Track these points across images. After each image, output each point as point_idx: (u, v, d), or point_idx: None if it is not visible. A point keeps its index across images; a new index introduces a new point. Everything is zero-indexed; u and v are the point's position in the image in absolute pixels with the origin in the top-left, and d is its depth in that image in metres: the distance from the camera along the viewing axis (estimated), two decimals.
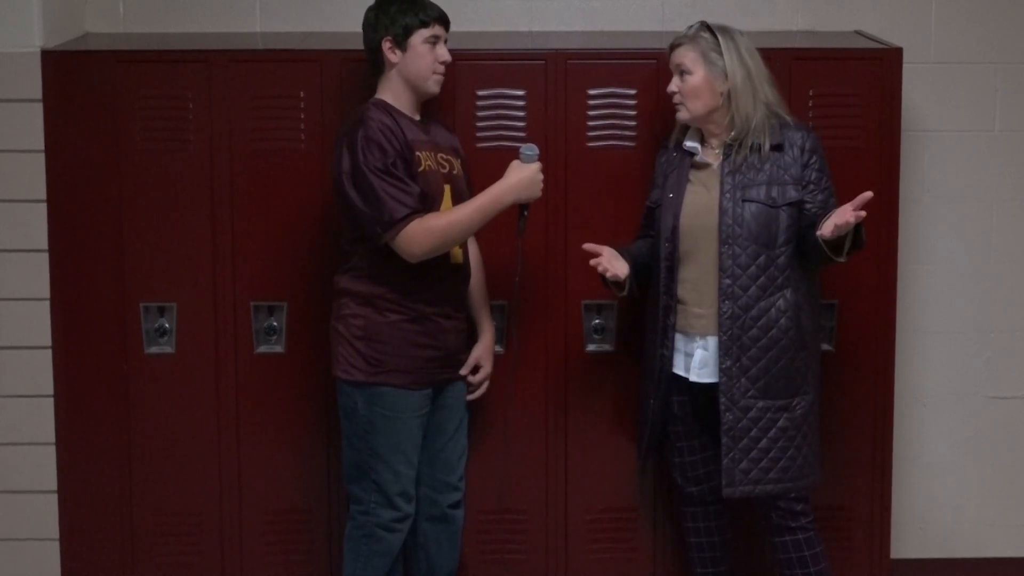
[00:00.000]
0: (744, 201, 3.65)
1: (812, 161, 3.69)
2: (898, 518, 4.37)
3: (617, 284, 3.77)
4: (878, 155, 4.06)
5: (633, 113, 4.05)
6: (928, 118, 4.45)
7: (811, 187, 3.68)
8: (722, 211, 3.66)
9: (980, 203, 4.51)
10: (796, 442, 3.70)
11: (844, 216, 3.47)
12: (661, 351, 3.80)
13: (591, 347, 4.13)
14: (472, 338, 3.92)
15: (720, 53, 3.68)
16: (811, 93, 4.05)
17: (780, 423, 3.69)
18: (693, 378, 3.75)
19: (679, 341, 3.78)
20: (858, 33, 4.42)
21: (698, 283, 3.72)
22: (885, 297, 4.12)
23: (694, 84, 3.70)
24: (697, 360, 3.74)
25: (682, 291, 3.75)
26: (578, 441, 4.16)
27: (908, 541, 4.55)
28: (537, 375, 4.12)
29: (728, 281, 3.66)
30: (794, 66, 4.03)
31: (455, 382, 3.85)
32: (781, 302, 3.66)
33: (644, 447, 3.94)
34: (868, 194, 3.49)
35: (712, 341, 3.71)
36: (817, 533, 3.79)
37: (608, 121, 4.06)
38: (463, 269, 3.82)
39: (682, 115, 3.75)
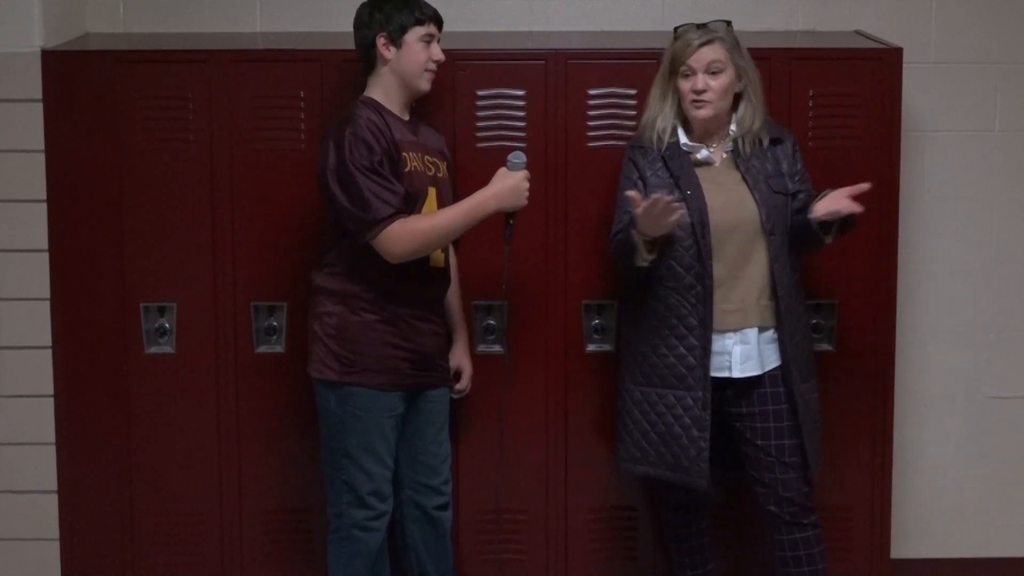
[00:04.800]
0: (776, 192, 3.73)
1: (798, 155, 3.81)
2: (898, 518, 4.36)
3: (649, 245, 3.64)
4: (878, 155, 4.06)
5: (633, 113, 4.04)
6: (928, 118, 4.45)
7: (797, 178, 3.78)
8: (761, 202, 3.69)
9: (980, 203, 4.51)
10: (820, 422, 3.83)
11: (838, 204, 3.59)
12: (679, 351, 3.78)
13: (591, 347, 4.13)
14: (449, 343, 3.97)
15: (739, 52, 3.72)
16: (811, 93, 4.05)
17: (813, 404, 3.80)
18: (737, 374, 3.73)
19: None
20: (858, 33, 4.42)
21: (724, 278, 3.71)
22: (885, 297, 4.12)
23: (725, 83, 3.70)
24: (738, 355, 3.72)
25: (721, 289, 3.73)
26: (578, 441, 4.16)
27: (908, 541, 4.55)
28: (537, 375, 4.12)
29: (778, 268, 3.71)
30: (794, 66, 4.03)
31: (434, 387, 3.85)
32: (799, 289, 3.80)
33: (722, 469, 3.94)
34: (866, 186, 3.61)
35: (751, 333, 3.72)
36: (822, 530, 3.80)
37: (608, 121, 4.06)
38: (443, 273, 3.82)
39: (706, 113, 3.70)
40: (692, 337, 3.71)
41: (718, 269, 3.70)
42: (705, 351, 3.69)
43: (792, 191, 3.75)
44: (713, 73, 3.69)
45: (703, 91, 3.68)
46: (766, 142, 3.76)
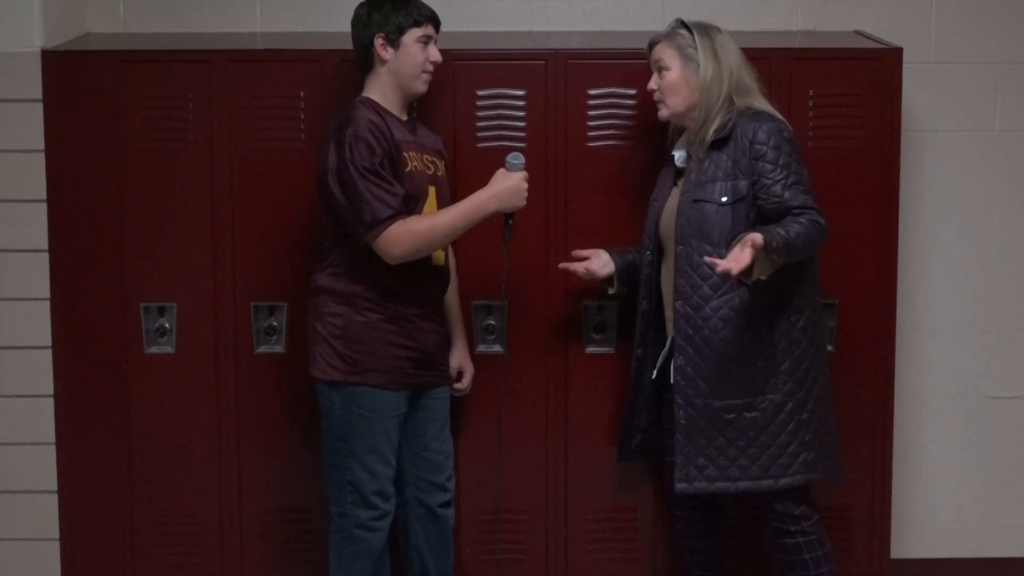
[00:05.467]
0: (695, 201, 3.63)
1: (763, 152, 3.59)
2: (898, 518, 4.36)
3: (607, 281, 3.85)
4: (878, 155, 4.06)
5: (633, 113, 4.05)
6: (928, 118, 4.45)
7: (763, 180, 3.59)
8: (679, 212, 3.66)
9: (980, 203, 4.51)
10: (759, 441, 3.66)
11: (728, 264, 3.41)
12: (636, 351, 3.85)
13: (591, 347, 4.13)
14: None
15: (696, 50, 3.67)
16: (811, 93, 4.04)
17: (738, 422, 3.65)
18: (672, 380, 3.76)
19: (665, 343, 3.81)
20: (858, 33, 4.42)
21: (667, 285, 3.75)
22: (885, 297, 4.12)
23: (671, 80, 3.69)
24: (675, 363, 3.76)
25: (663, 294, 3.79)
26: (578, 441, 4.16)
27: (908, 541, 4.55)
28: (537, 375, 4.12)
29: (681, 280, 3.65)
30: (794, 66, 4.03)
31: (437, 386, 3.86)
32: (736, 301, 3.61)
33: (622, 448, 3.98)
34: (759, 240, 3.41)
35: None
36: (821, 536, 3.76)
37: (608, 121, 4.06)
38: (444, 272, 3.83)
39: (662, 113, 3.75)
40: (646, 341, 3.84)
41: (664, 275, 3.76)
42: (643, 356, 3.83)
43: (744, 194, 3.60)
44: (660, 71, 3.72)
45: (653, 90, 3.74)
46: (707, 143, 3.64)
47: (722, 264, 3.43)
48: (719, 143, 3.64)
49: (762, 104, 3.71)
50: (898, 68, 4.04)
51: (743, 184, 3.61)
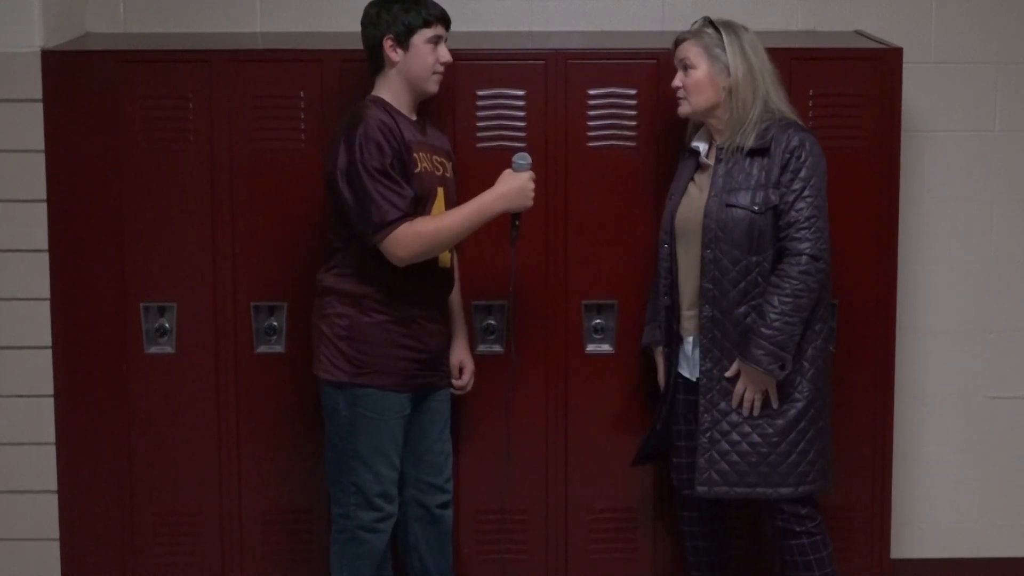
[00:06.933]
0: (727, 206, 3.63)
1: (789, 162, 3.61)
2: (898, 518, 4.37)
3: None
4: (878, 155, 4.06)
5: (633, 113, 4.05)
6: (928, 118, 4.45)
7: (783, 189, 3.62)
8: (706, 214, 3.65)
9: (980, 203, 4.51)
10: (781, 448, 3.67)
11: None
12: (667, 350, 3.84)
13: (591, 347, 4.13)
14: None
15: (724, 48, 3.67)
16: (811, 93, 4.05)
17: (762, 428, 3.67)
18: (693, 378, 3.76)
19: (682, 341, 3.81)
20: (858, 33, 4.42)
21: (686, 285, 3.74)
22: (885, 297, 4.12)
23: (697, 78, 3.68)
24: (691, 360, 3.76)
25: (681, 294, 3.77)
26: (578, 441, 4.16)
27: (908, 541, 4.55)
28: (537, 375, 4.12)
29: (709, 285, 3.65)
30: (794, 66, 4.03)
31: (440, 387, 3.85)
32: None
33: (641, 451, 3.96)
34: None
35: (692, 340, 3.75)
36: (825, 537, 3.77)
37: (608, 121, 4.06)
38: (449, 273, 3.83)
39: (683, 109, 3.74)
40: (672, 340, 3.82)
41: (682, 274, 3.75)
42: (675, 352, 3.82)
43: (774, 203, 3.62)
44: (685, 69, 3.71)
45: (678, 88, 3.72)
46: (745, 150, 3.65)
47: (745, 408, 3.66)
48: (755, 152, 3.64)
49: (792, 113, 3.72)
50: (898, 68, 4.04)
51: (773, 194, 3.63)
